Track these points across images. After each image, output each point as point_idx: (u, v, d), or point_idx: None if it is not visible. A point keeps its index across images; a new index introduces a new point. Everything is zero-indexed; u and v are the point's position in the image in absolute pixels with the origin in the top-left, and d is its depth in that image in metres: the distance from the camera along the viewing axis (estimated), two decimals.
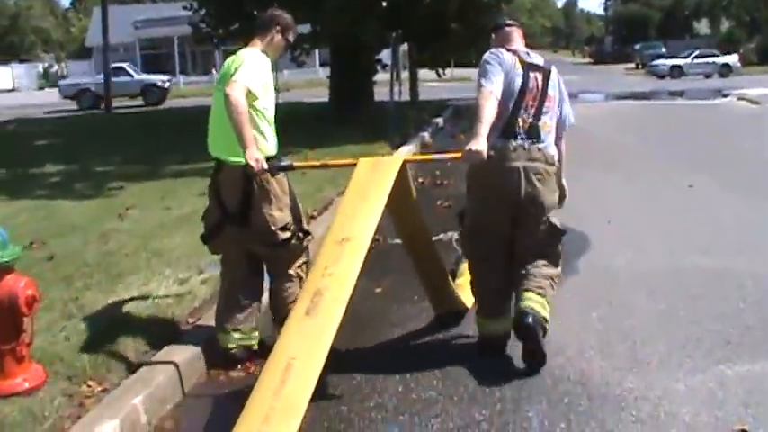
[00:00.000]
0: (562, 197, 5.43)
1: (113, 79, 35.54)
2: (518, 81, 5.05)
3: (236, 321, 5.28)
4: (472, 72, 33.58)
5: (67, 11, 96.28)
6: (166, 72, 58.75)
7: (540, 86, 5.13)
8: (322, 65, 48.95)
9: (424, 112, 23.97)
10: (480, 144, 4.72)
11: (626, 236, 8.34)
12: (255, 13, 21.12)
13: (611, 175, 11.97)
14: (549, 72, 5.24)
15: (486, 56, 5.13)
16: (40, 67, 72.77)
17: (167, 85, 42.42)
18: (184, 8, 23.85)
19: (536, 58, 5.27)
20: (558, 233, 5.20)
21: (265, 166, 4.91)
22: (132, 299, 6.18)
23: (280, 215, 5.17)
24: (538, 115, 5.10)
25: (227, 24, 22.31)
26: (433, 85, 38.44)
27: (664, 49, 65.00)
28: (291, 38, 5.47)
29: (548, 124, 5.17)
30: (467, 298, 5.94)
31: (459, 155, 4.95)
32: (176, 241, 7.99)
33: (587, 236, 8.25)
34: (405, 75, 29.11)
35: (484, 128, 4.78)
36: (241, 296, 5.32)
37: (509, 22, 5.59)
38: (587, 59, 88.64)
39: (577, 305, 6.16)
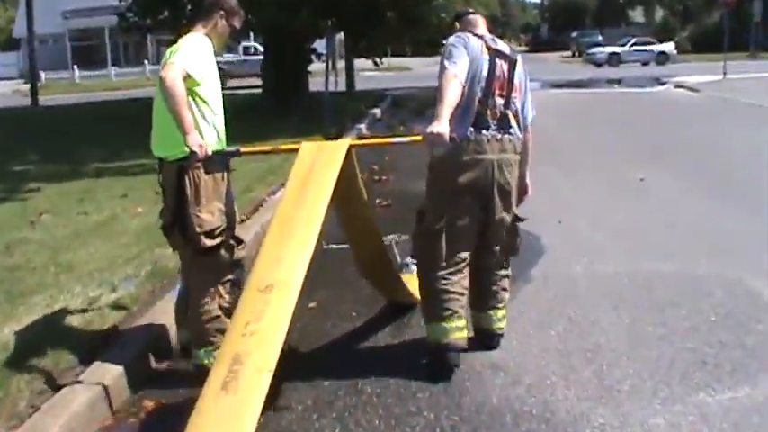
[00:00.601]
0: (523, 194, 5.26)
1: None
2: (485, 66, 4.77)
3: (184, 319, 5.05)
4: (409, 61, 33.71)
5: None
6: (98, 64, 57.75)
7: (506, 74, 4.87)
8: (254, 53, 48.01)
9: (360, 102, 23.36)
10: (443, 126, 4.41)
11: (580, 238, 7.79)
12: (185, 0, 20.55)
13: (557, 169, 11.38)
14: (515, 61, 4.98)
15: (451, 39, 4.87)
16: None
17: None
18: None
19: (501, 45, 5.00)
20: (517, 221, 5.11)
21: (209, 151, 4.47)
22: (35, 322, 5.45)
23: (208, 218, 4.68)
24: (507, 104, 4.85)
25: (156, 13, 21.45)
26: (371, 74, 37.88)
27: (600, 38, 65.20)
28: (237, 23, 5.08)
29: (515, 115, 4.92)
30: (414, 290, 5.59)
31: (419, 138, 4.60)
32: (90, 252, 7.24)
33: (538, 238, 7.70)
34: (341, 65, 28.52)
35: (446, 110, 4.49)
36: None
37: (472, 11, 5.42)
38: (524, 48, 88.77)
39: (534, 321, 5.57)
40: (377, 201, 9.55)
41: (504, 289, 5.15)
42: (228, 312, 4.62)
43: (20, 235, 8.15)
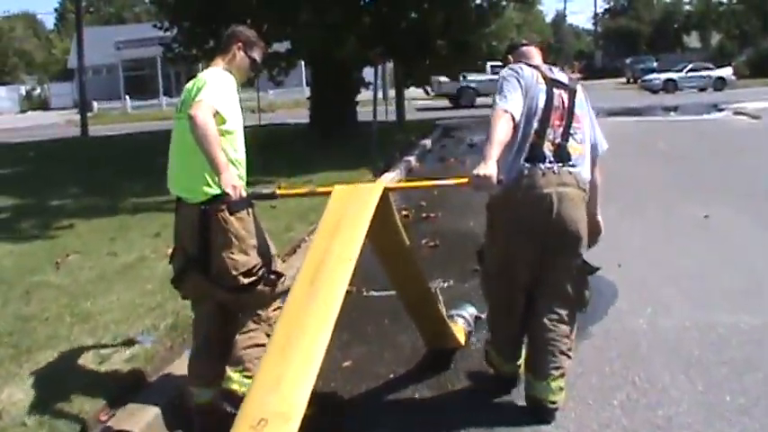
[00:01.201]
0: (596, 233, 4.94)
1: None
2: (541, 97, 4.52)
3: (207, 376, 4.55)
4: None
5: (51, 32, 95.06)
6: (149, 94, 58.07)
7: (565, 105, 4.59)
8: (308, 84, 47.91)
9: (410, 133, 22.79)
10: (489, 168, 4.08)
11: (641, 284, 7.10)
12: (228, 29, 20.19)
13: (614, 204, 10.62)
14: (575, 90, 4.71)
15: (504, 71, 4.63)
16: (23, 90, 71.42)
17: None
18: (154, 26, 22.63)
19: (559, 74, 4.76)
20: (588, 271, 4.79)
21: (244, 193, 4.24)
22: (37, 383, 4.94)
23: (243, 258, 4.45)
24: (566, 136, 4.54)
25: (201, 44, 21.12)
26: (422, 103, 37.45)
27: (656, 63, 64.11)
28: (256, 55, 4.85)
29: (577, 147, 4.58)
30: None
31: (465, 180, 4.24)
32: (110, 300, 6.74)
33: (596, 285, 7.03)
34: (391, 93, 28.09)
35: (494, 150, 4.17)
36: (212, 347, 4.61)
37: (525, 41, 5.15)
38: (578, 75, 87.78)
39: (594, 387, 4.93)
40: (423, 241, 8.96)
41: (564, 353, 4.59)
42: None
43: (42, 278, 7.70)
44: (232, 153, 4.46)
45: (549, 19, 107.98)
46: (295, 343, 3.30)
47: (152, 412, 4.59)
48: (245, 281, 4.46)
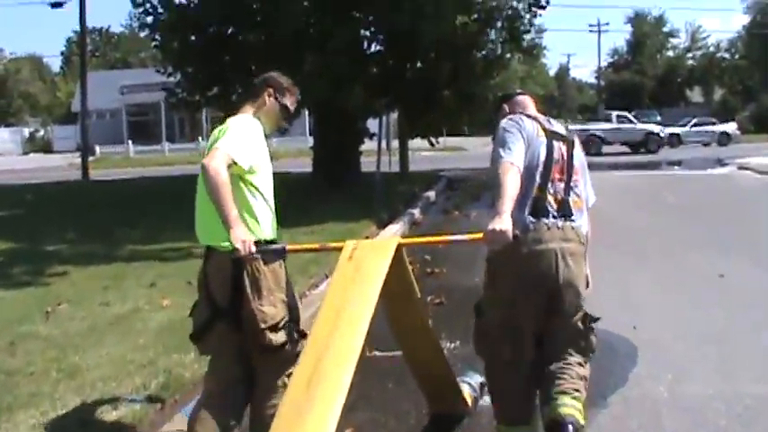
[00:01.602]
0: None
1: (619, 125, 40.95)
2: (542, 150, 4.39)
3: (217, 428, 4.29)
4: (465, 141, 33.13)
5: (56, 75, 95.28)
6: (153, 139, 58.01)
7: (565, 157, 4.47)
8: (311, 133, 47.79)
9: (414, 184, 22.51)
10: (504, 223, 3.92)
11: (659, 347, 6.74)
12: (232, 76, 20.03)
13: (626, 262, 10.37)
14: (573, 141, 4.61)
15: (504, 123, 4.47)
16: (26, 132, 71.39)
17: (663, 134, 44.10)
18: (157, 71, 22.45)
19: (557, 126, 4.65)
20: (591, 320, 4.48)
21: (253, 248, 4.03)
22: None
23: (271, 311, 4.31)
24: (567, 190, 4.42)
25: (205, 89, 20.94)
26: (425, 154, 37.25)
27: (659, 117, 64.12)
28: (289, 102, 4.73)
29: (577, 200, 4.47)
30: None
31: (480, 236, 4.06)
32: (100, 354, 6.39)
33: (613, 348, 6.71)
34: (395, 144, 27.86)
35: (506, 204, 4.01)
36: (227, 401, 4.40)
37: (519, 90, 5.15)
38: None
39: None
40: (428, 298, 8.61)
41: (580, 377, 4.32)
42: None
43: (31, 328, 7.38)
44: (259, 205, 4.36)
45: (552, 72, 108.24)
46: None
47: None
48: (272, 338, 4.31)
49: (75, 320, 7.60)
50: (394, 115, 26.32)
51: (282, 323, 4.36)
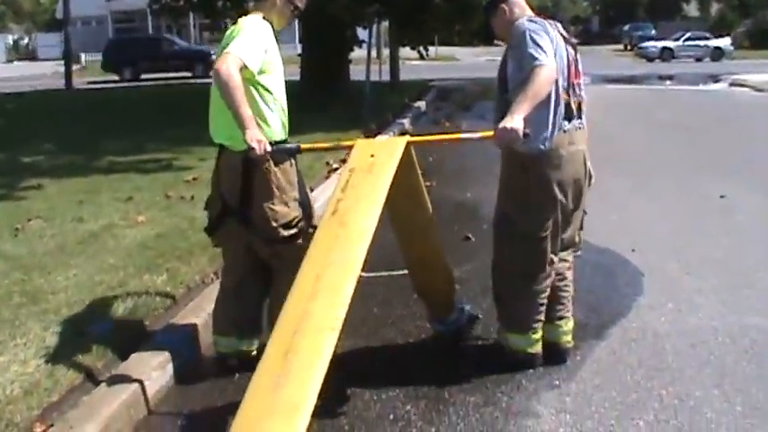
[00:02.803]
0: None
1: None
2: (564, 54, 4.41)
3: (232, 325, 4.74)
4: (457, 51, 32.63)
5: None
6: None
7: (575, 61, 4.53)
8: (301, 41, 46.94)
9: (404, 94, 22.00)
10: (516, 122, 3.97)
11: (661, 275, 6.38)
12: None
13: (624, 182, 9.96)
14: (575, 45, 4.64)
15: (527, 24, 4.35)
16: (10, 39, 69.92)
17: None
18: None
19: (562, 29, 4.59)
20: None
21: (269, 148, 4.16)
22: None
23: (283, 210, 4.45)
24: (580, 93, 4.55)
25: None
26: (416, 63, 36.61)
27: (654, 31, 63.27)
28: (299, 2, 4.69)
29: (583, 102, 4.59)
30: None
31: (491, 133, 4.13)
32: (68, 276, 5.98)
33: (612, 273, 6.38)
34: (386, 52, 27.25)
35: (528, 106, 4.04)
36: (241, 297, 4.71)
37: None
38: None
39: (616, 403, 4.22)
40: None
41: (570, 298, 4.84)
42: None
43: None
44: (273, 104, 4.44)
45: None
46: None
47: (99, 422, 3.85)
48: (285, 233, 4.45)
49: (45, 238, 7.18)
50: (385, 23, 25.67)
51: (295, 221, 4.48)
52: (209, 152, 11.66)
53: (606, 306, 5.67)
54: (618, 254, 6.93)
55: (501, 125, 4.00)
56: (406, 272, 5.02)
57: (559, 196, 4.43)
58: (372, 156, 3.93)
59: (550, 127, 4.32)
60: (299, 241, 4.43)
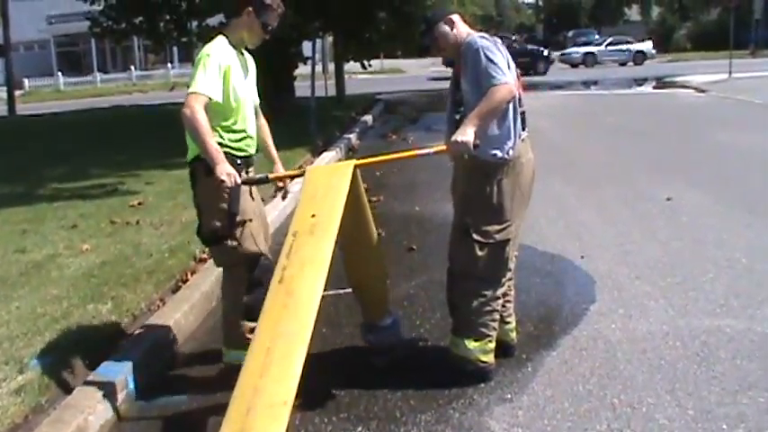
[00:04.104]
0: None
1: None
2: (512, 67, 4.51)
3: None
4: (402, 63, 32.71)
5: None
6: (84, 70, 56.49)
7: (518, 74, 4.63)
8: None
9: (351, 109, 21.96)
10: (468, 135, 4.24)
11: (611, 281, 6.38)
12: (158, 2, 19.25)
13: (571, 188, 10.01)
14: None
15: (480, 42, 4.46)
16: None
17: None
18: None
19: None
20: None
21: (239, 180, 4.43)
22: None
23: (209, 221, 4.75)
24: (523, 104, 4.73)
25: (131, 17, 20.09)
26: (363, 77, 36.62)
27: (597, 36, 63.99)
28: (271, 20, 4.77)
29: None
30: None
31: (444, 147, 4.49)
32: (10, 309, 5.81)
33: (561, 282, 6.37)
34: (331, 68, 27.22)
35: (483, 123, 4.32)
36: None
37: (450, 10, 4.99)
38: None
39: (568, 414, 4.19)
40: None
41: (512, 290, 5.07)
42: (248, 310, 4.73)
43: None
44: (233, 124, 4.69)
45: None
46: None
47: None
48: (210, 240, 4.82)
49: None
50: (330, 38, 25.67)
51: (220, 231, 4.71)
52: (155, 176, 11.69)
53: (557, 315, 5.65)
54: (567, 261, 6.93)
55: (453, 138, 4.27)
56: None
57: (520, 201, 4.61)
58: (313, 215, 3.94)
59: (513, 137, 4.51)
60: (221, 245, 4.75)
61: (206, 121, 4.37)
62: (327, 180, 4.21)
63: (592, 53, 49.89)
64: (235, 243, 4.71)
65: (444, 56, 4.99)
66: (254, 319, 3.97)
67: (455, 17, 4.72)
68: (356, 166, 4.33)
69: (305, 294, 3.52)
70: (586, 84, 33.44)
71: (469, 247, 4.58)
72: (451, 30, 4.66)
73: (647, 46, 51.17)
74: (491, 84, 4.29)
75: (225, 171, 4.33)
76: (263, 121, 5.19)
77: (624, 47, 50.49)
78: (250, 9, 4.69)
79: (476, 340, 4.63)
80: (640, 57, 49.29)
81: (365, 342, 5.08)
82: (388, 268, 5.10)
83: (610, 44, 50.70)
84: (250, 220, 4.76)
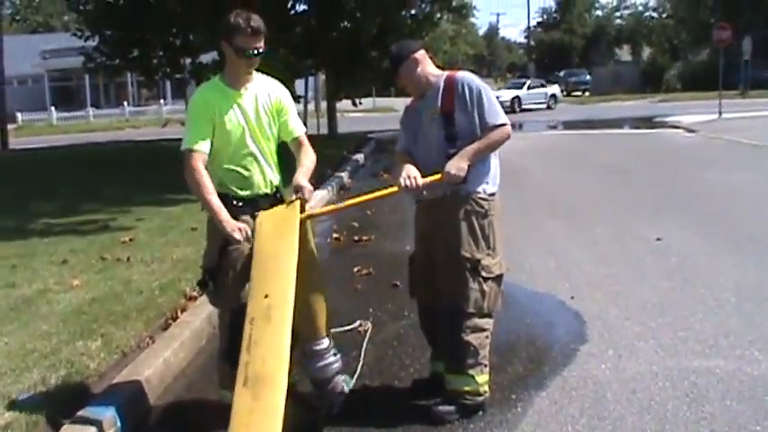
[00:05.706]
0: None
1: None
2: None
3: None
4: (395, 102, 32.70)
5: None
6: (77, 105, 56.55)
7: None
8: None
9: (343, 147, 22.03)
10: (464, 168, 4.51)
11: (601, 322, 6.36)
12: (153, 38, 19.35)
13: (561, 227, 10.05)
14: None
15: (477, 81, 4.66)
16: None
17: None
18: (73, 35, 21.57)
19: None
20: None
21: (249, 233, 4.43)
22: None
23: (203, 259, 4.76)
24: None
25: (124, 53, 20.19)
26: (355, 115, 36.75)
27: (588, 76, 64.46)
28: (243, 43, 4.43)
29: None
30: None
31: (395, 189, 4.72)
32: None
33: (550, 323, 6.38)
34: (323, 106, 27.36)
35: (476, 158, 4.57)
36: None
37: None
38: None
39: None
40: (356, 269, 8.22)
41: None
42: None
43: None
44: (240, 165, 4.59)
45: (482, 32, 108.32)
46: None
47: None
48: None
49: None
50: (322, 77, 25.83)
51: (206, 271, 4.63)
52: (147, 212, 11.69)
53: (546, 355, 5.65)
54: (558, 300, 6.94)
55: (448, 168, 4.45)
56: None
57: (500, 233, 4.71)
58: (267, 296, 3.99)
59: (498, 172, 4.74)
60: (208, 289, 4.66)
61: (205, 178, 4.36)
62: (277, 230, 4.35)
63: (518, 97, 46.53)
64: (212, 289, 4.62)
65: (411, 92, 5.02)
66: (234, 364, 3.94)
67: (420, 55, 4.78)
68: (302, 220, 4.49)
69: (270, 395, 3.54)
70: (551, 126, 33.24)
71: (479, 284, 4.59)
72: (422, 63, 4.77)
73: (555, 89, 50.28)
74: (498, 123, 4.53)
75: (231, 228, 4.33)
76: (303, 152, 5.13)
77: (541, 90, 48.69)
78: (224, 38, 4.49)
79: (481, 373, 4.65)
80: (552, 100, 48.09)
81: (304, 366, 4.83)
82: (329, 291, 4.98)
83: (530, 87, 48.33)
84: (228, 273, 4.50)
